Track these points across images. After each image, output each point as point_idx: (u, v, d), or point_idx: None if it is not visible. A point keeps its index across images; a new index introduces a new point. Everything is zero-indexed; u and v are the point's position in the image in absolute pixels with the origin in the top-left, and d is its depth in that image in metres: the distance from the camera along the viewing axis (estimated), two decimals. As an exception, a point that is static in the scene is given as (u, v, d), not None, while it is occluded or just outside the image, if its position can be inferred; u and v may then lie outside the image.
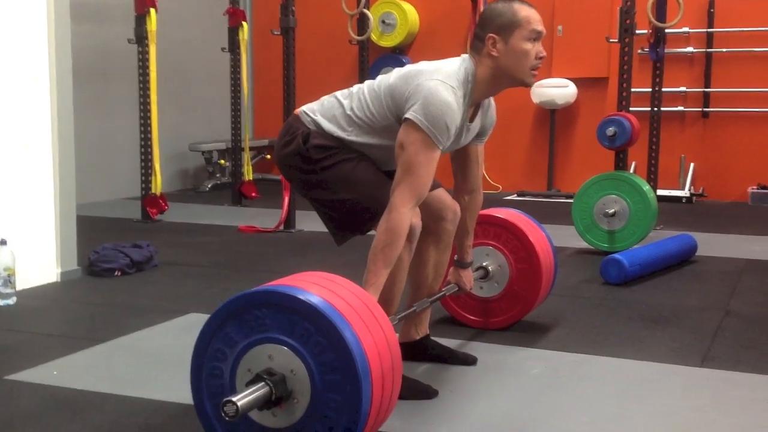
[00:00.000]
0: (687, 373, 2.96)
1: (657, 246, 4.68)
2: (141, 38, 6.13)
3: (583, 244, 5.19)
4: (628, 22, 5.38)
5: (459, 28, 8.19)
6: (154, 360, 3.10)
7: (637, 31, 5.54)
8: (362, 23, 7.59)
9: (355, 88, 2.69)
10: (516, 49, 2.53)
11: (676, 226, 5.88)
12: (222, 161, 8.30)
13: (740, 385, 2.83)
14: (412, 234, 2.52)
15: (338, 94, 2.71)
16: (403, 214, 2.41)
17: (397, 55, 8.63)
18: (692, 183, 7.71)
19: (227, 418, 1.92)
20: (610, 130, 5.18)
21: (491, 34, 2.54)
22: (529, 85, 2.61)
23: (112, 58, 7.39)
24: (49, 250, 4.28)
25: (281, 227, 5.88)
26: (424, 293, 2.89)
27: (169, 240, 5.50)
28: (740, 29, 7.62)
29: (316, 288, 2.07)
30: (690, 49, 7.80)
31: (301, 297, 2.00)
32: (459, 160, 2.85)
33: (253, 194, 7.25)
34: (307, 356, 1.98)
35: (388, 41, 8.57)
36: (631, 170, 7.07)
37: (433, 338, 3.00)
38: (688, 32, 7.73)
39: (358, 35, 7.54)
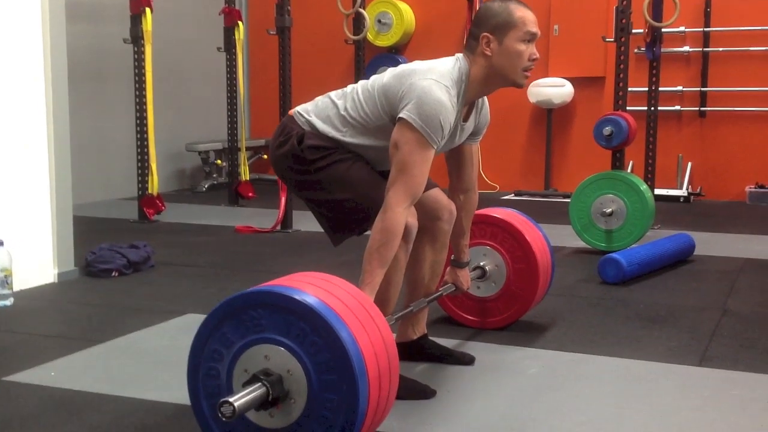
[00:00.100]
0: (685, 372, 2.96)
1: (654, 245, 4.68)
2: (136, 38, 6.12)
3: (581, 244, 5.18)
4: (624, 21, 5.39)
5: (455, 28, 8.18)
6: (152, 360, 3.09)
7: (634, 31, 5.55)
8: (358, 23, 7.60)
9: (349, 88, 2.69)
10: (510, 50, 2.53)
11: (673, 226, 5.88)
12: (219, 161, 8.29)
13: (738, 385, 2.83)
14: (409, 234, 2.52)
15: (332, 94, 2.71)
16: (398, 213, 2.41)
17: (393, 55, 8.62)
18: (690, 182, 7.71)
19: (224, 419, 1.91)
20: (607, 130, 5.18)
21: (486, 34, 2.53)
22: (520, 86, 2.61)
23: (108, 58, 7.38)
24: (46, 250, 4.27)
25: (278, 227, 5.88)
26: (421, 293, 2.89)
27: (166, 240, 5.49)
28: (737, 28, 7.63)
29: (311, 288, 2.06)
30: (686, 48, 7.80)
31: (296, 297, 2.00)
32: (454, 159, 2.85)
33: (250, 194, 7.24)
34: (304, 356, 1.98)
35: (384, 41, 8.57)
36: (629, 170, 7.07)
37: (430, 338, 3.00)
38: (684, 31, 7.73)
39: (354, 35, 7.54)
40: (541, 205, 7.31)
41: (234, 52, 7.11)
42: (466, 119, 2.66)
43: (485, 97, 2.76)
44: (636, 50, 7.08)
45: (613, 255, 4.30)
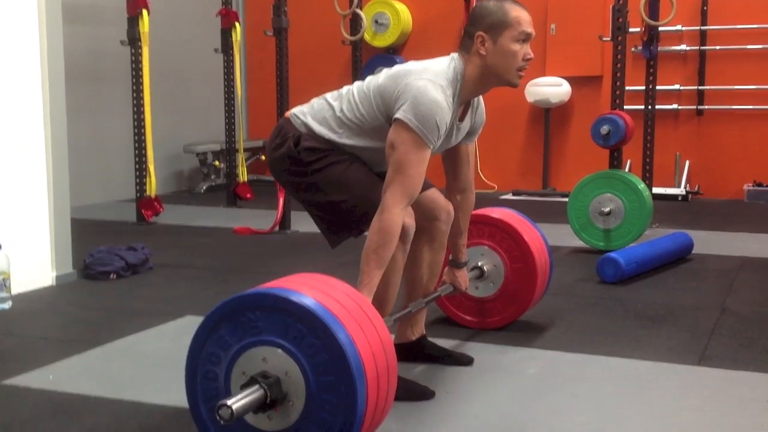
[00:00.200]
0: (684, 371, 2.96)
1: (653, 244, 4.68)
2: (134, 40, 6.12)
3: (579, 243, 5.18)
4: (620, 20, 5.38)
5: (452, 28, 8.17)
6: (150, 363, 3.09)
7: (630, 30, 5.55)
8: (355, 23, 7.60)
9: (345, 89, 2.68)
10: (504, 50, 2.52)
11: (671, 225, 5.88)
12: (217, 162, 8.28)
13: (738, 384, 2.82)
14: (406, 234, 2.52)
15: (328, 96, 2.70)
16: (395, 214, 2.41)
17: (390, 55, 8.62)
18: (688, 181, 7.71)
19: (222, 422, 1.91)
20: (605, 129, 5.17)
21: (480, 33, 2.53)
22: (514, 86, 2.61)
23: (105, 60, 7.38)
24: (44, 253, 4.27)
25: (276, 228, 5.87)
26: (419, 294, 2.88)
27: (164, 242, 5.48)
28: (733, 27, 7.63)
29: (308, 289, 2.06)
30: (683, 46, 7.80)
31: (293, 299, 1.99)
32: (450, 159, 2.85)
33: (248, 195, 7.24)
34: (301, 358, 1.97)
35: (382, 41, 8.57)
36: (626, 169, 7.07)
37: (429, 339, 3.00)
38: (681, 30, 7.73)
39: (351, 35, 7.54)
40: (539, 204, 7.30)
41: (231, 53, 7.11)
42: (461, 119, 2.66)
43: (481, 97, 2.75)
44: (633, 49, 7.07)
45: (612, 254, 4.30)
